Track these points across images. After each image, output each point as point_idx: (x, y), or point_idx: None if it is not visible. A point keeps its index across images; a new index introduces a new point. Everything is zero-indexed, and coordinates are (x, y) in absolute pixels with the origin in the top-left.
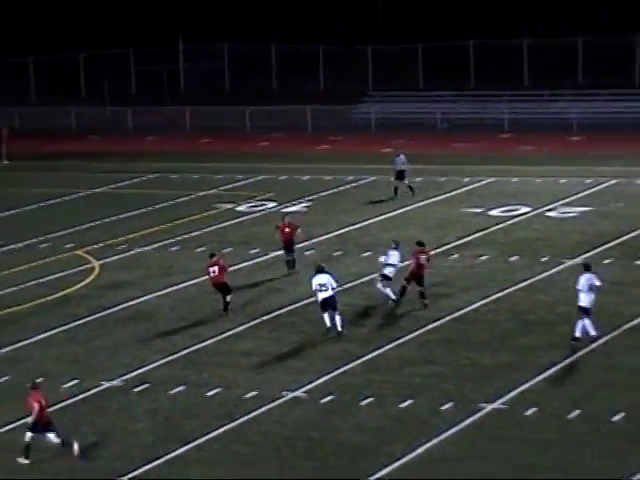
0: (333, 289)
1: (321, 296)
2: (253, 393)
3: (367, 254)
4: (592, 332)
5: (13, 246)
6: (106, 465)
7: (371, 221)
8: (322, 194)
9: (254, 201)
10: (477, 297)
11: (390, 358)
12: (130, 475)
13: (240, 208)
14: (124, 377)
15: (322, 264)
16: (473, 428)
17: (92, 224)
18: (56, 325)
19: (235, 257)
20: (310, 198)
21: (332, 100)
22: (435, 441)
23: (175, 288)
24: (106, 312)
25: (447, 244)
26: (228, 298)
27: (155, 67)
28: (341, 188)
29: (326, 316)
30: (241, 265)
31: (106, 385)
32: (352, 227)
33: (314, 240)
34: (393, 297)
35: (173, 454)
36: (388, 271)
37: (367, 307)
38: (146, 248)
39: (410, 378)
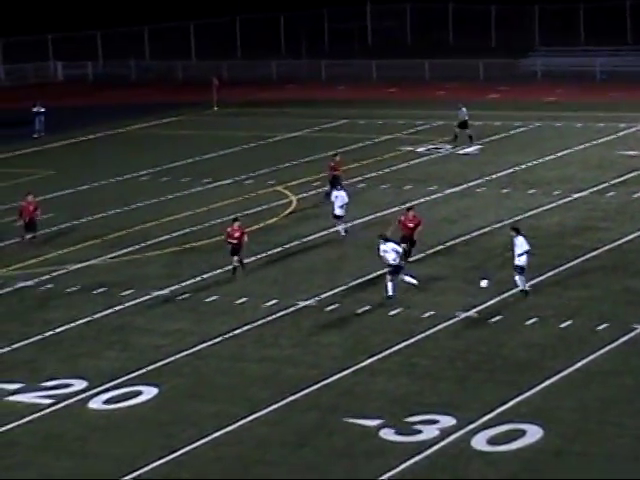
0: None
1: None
2: (430, 313)
3: (532, 191)
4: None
5: (222, 182)
6: (304, 372)
7: (536, 162)
8: (492, 138)
9: (432, 144)
10: (632, 229)
11: (551, 284)
12: (323, 382)
13: (420, 150)
14: (318, 297)
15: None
16: (626, 346)
17: (290, 163)
18: (259, 251)
19: (415, 193)
20: (482, 141)
21: (502, 54)
22: (592, 357)
23: (363, 220)
24: (302, 240)
25: (604, 182)
26: (238, 261)
27: (346, 25)
28: (509, 132)
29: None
30: (420, 200)
31: (301, 304)
32: (519, 167)
33: (486, 178)
34: (524, 287)
35: (360, 365)
36: (521, 262)
37: (533, 238)
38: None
39: (569, 301)
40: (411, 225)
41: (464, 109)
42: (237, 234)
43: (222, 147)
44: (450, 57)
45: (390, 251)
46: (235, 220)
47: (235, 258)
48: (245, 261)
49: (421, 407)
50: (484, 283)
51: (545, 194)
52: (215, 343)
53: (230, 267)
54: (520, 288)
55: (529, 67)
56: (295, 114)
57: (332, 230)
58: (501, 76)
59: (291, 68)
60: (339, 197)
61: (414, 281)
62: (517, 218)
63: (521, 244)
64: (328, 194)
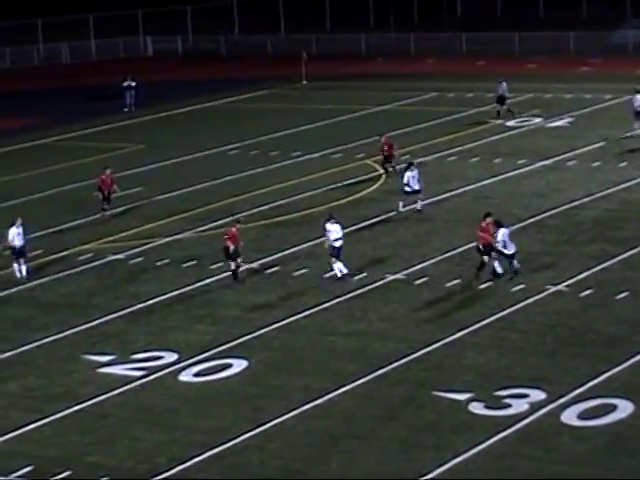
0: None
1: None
2: (520, 287)
3: (623, 164)
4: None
5: (310, 156)
6: (394, 345)
7: (627, 134)
8: (583, 111)
9: (523, 117)
10: None
11: None
12: (411, 356)
13: (510, 123)
14: (406, 271)
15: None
16: None
17: (380, 136)
18: (348, 225)
19: (505, 166)
20: (572, 114)
21: (593, 26)
22: None
23: (452, 193)
24: (391, 214)
25: None
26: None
27: None
28: (600, 105)
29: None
30: (509, 174)
31: (390, 278)
32: (610, 140)
33: (577, 151)
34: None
35: (449, 339)
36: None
37: (625, 212)
38: (427, 158)
39: None
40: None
41: (504, 83)
42: (232, 235)
43: (311, 120)
44: (540, 30)
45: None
46: (237, 221)
47: (232, 263)
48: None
49: (511, 381)
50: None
51: (637, 167)
52: (304, 317)
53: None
54: (499, 271)
55: (621, 39)
56: (384, 87)
57: (411, 206)
58: (592, 49)
59: (380, 41)
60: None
61: (500, 269)
62: (608, 191)
63: (504, 233)
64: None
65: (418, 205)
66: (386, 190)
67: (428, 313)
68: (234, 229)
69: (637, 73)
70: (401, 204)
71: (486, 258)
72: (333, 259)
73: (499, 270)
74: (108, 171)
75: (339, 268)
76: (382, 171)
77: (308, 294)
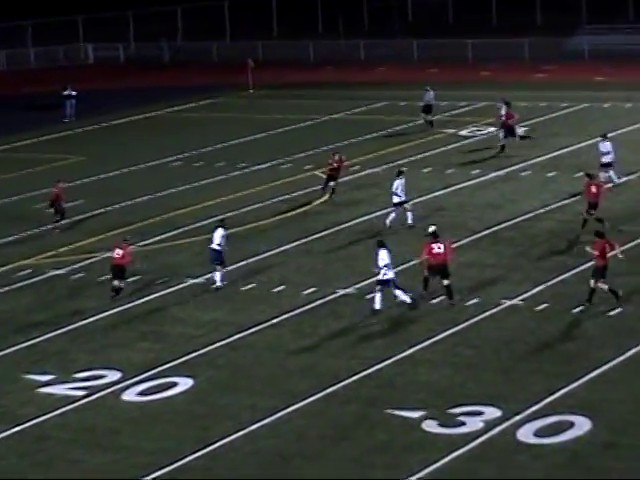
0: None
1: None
2: (474, 301)
3: (579, 175)
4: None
5: (257, 167)
6: (344, 362)
7: (583, 144)
8: (538, 119)
9: (475, 126)
10: None
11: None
12: (363, 373)
13: (462, 132)
14: (357, 285)
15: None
16: None
17: (329, 147)
18: (296, 238)
19: (457, 177)
20: (527, 123)
21: (548, 32)
22: None
23: (406, 206)
24: (341, 227)
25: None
26: (120, 283)
27: (385, 2)
28: (556, 114)
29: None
30: (463, 184)
31: (341, 293)
32: (565, 150)
33: (531, 161)
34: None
35: (401, 355)
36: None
37: (576, 225)
38: (376, 169)
39: (619, 288)
40: (439, 252)
41: (431, 92)
42: (121, 253)
43: (258, 130)
44: (494, 36)
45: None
46: (124, 240)
47: (115, 282)
48: (283, 248)
49: (465, 398)
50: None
51: (572, 181)
52: (252, 333)
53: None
54: (405, 300)
55: (576, 46)
56: (333, 96)
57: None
58: (547, 56)
59: (329, 48)
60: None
61: (407, 298)
62: (563, 203)
63: (383, 257)
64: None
65: (409, 219)
66: (335, 202)
67: (379, 329)
68: (122, 249)
69: (593, 80)
70: (390, 218)
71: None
72: (394, 290)
73: (406, 299)
74: (61, 184)
75: (400, 295)
76: (323, 188)
77: (256, 310)
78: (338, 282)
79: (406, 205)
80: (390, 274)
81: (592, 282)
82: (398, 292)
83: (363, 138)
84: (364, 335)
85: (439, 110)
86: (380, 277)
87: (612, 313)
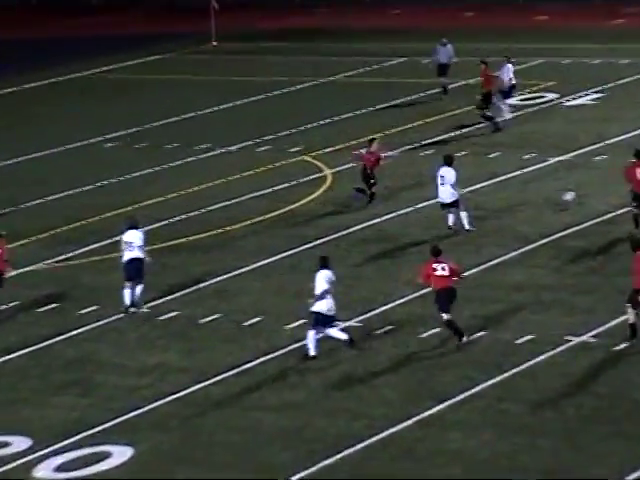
0: None
1: None
2: (527, 337)
3: None
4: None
5: (224, 149)
6: (345, 425)
7: None
8: (617, 82)
9: (529, 92)
10: None
11: None
12: (374, 439)
13: (511, 101)
14: (362, 316)
15: None
16: None
17: (322, 122)
18: (279, 249)
19: (503, 164)
20: (601, 88)
21: None
22: None
23: (427, 203)
24: (340, 234)
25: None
26: None
27: None
28: None
29: None
30: (512, 174)
31: (340, 325)
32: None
33: (607, 142)
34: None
35: (424, 414)
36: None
37: None
38: (391, 153)
39: None
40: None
41: (449, 46)
42: None
43: (224, 98)
44: None
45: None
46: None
47: None
48: (261, 263)
49: (514, 473)
50: (569, 196)
51: None
52: (214, 383)
53: None
54: (339, 338)
55: None
56: (329, 50)
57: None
58: None
59: None
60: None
61: (344, 336)
62: None
63: (321, 279)
64: (360, 191)
65: (465, 224)
66: (333, 198)
67: (395, 377)
68: None
69: None
70: (451, 218)
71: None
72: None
73: (341, 336)
74: None
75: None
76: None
77: (220, 351)
78: (338, 310)
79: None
80: (321, 305)
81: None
82: (331, 330)
83: (372, 109)
84: (372, 385)
85: (475, 70)
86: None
87: None
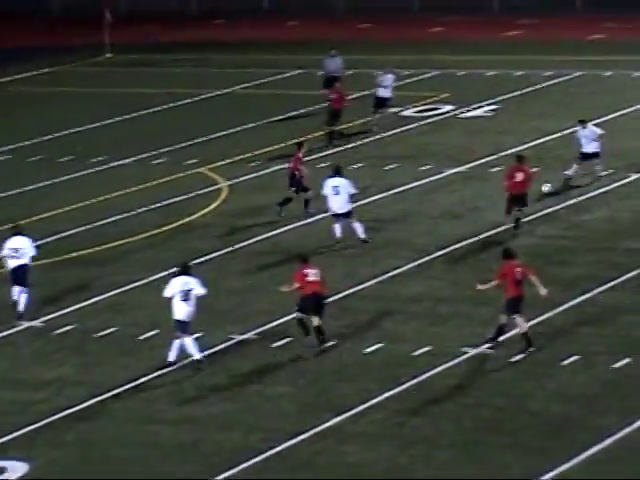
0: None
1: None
2: (424, 349)
3: (571, 169)
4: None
5: (120, 162)
6: (241, 438)
7: (576, 129)
8: (512, 94)
9: (425, 104)
10: None
11: (601, 305)
12: (271, 452)
13: (407, 113)
14: (261, 329)
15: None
16: None
17: (218, 134)
18: (175, 262)
19: (400, 175)
20: (496, 100)
21: None
22: None
23: (324, 215)
24: (237, 246)
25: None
26: None
27: None
28: (537, 86)
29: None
30: (408, 186)
31: (238, 339)
32: (551, 137)
33: (503, 153)
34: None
35: (323, 426)
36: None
37: (570, 239)
38: (286, 165)
39: (627, 330)
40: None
41: (338, 58)
42: None
43: (120, 111)
44: None
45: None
46: None
47: None
48: (157, 276)
49: None
50: (546, 187)
51: (588, 176)
52: (112, 397)
53: None
54: (195, 357)
55: None
56: (224, 62)
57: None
58: (524, 4)
59: None
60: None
61: (197, 355)
62: (548, 211)
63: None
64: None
65: (360, 233)
66: (229, 211)
67: (292, 389)
68: None
69: (588, 39)
70: (338, 230)
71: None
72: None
73: (196, 355)
74: None
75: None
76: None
77: (117, 365)
78: (232, 324)
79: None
80: (179, 312)
81: (503, 317)
82: (187, 341)
83: (266, 121)
84: (269, 397)
85: (374, 82)
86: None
87: (617, 365)
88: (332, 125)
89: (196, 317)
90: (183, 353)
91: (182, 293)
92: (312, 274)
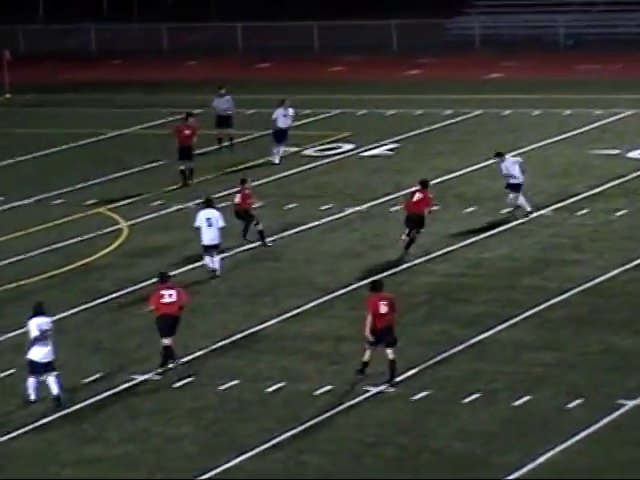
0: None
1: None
2: (326, 388)
3: (470, 209)
4: None
5: (19, 202)
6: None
7: (475, 167)
8: (412, 133)
9: (325, 143)
10: (613, 263)
11: (502, 342)
12: None
13: (308, 152)
14: (160, 370)
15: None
16: (609, 431)
17: (118, 174)
18: (74, 303)
19: (302, 214)
20: (396, 139)
21: (424, 11)
22: (560, 448)
23: (225, 255)
24: (137, 286)
25: (574, 196)
26: None
27: None
28: (436, 125)
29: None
30: (311, 224)
31: (139, 379)
32: (450, 175)
33: (403, 192)
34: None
35: (224, 466)
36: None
37: (471, 277)
38: (189, 204)
39: (528, 368)
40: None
41: (227, 97)
42: None
43: (18, 151)
44: (349, 17)
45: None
46: None
47: None
48: (56, 317)
49: None
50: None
51: (489, 214)
52: (13, 438)
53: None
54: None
55: (463, 30)
56: (125, 102)
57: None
58: (423, 44)
59: (117, 36)
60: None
61: (55, 391)
62: (451, 248)
63: (33, 327)
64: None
65: (218, 267)
66: (129, 251)
67: (194, 429)
68: None
69: (487, 77)
70: (209, 261)
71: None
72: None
73: (55, 391)
74: None
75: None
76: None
77: (18, 405)
78: (134, 365)
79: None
80: (35, 353)
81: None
82: (50, 380)
83: (168, 161)
84: (171, 437)
85: (269, 122)
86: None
87: (518, 402)
88: (183, 160)
89: (99, 356)
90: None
91: (40, 335)
92: (167, 295)
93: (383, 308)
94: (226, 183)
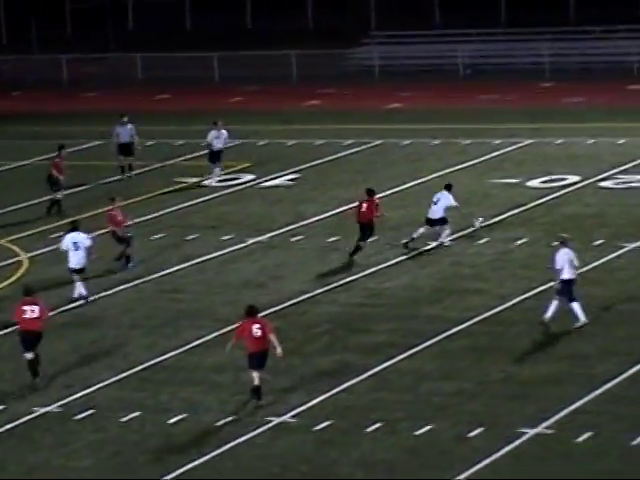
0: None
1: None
2: (228, 419)
3: (372, 239)
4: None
5: None
6: None
7: (376, 197)
8: (313, 163)
9: (225, 173)
10: (513, 292)
11: (403, 372)
12: None
13: (207, 182)
14: (62, 402)
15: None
16: (509, 459)
17: (18, 206)
18: None
19: (202, 246)
20: (297, 169)
21: (323, 42)
22: (461, 477)
23: (126, 286)
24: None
25: (473, 225)
26: None
27: (96, 1)
28: (337, 155)
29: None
30: (211, 255)
31: (39, 411)
32: (352, 205)
33: (303, 222)
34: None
35: None
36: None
37: (371, 307)
38: (90, 236)
39: (428, 397)
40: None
41: (129, 126)
42: None
43: None
44: (249, 48)
45: None
46: None
47: None
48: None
49: None
50: (478, 222)
51: (390, 243)
52: None
53: None
54: None
55: (362, 60)
56: (24, 134)
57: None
58: (323, 74)
59: (17, 67)
60: None
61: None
62: (352, 278)
63: None
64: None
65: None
66: (30, 283)
67: (94, 462)
68: None
69: (386, 107)
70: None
71: None
72: None
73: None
74: None
75: None
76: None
77: None
78: (34, 397)
79: None
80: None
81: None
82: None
83: (68, 192)
84: (71, 470)
85: (175, 152)
86: None
87: (419, 432)
88: (56, 191)
89: None
90: None
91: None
92: (30, 311)
93: (257, 332)
94: (136, 211)
